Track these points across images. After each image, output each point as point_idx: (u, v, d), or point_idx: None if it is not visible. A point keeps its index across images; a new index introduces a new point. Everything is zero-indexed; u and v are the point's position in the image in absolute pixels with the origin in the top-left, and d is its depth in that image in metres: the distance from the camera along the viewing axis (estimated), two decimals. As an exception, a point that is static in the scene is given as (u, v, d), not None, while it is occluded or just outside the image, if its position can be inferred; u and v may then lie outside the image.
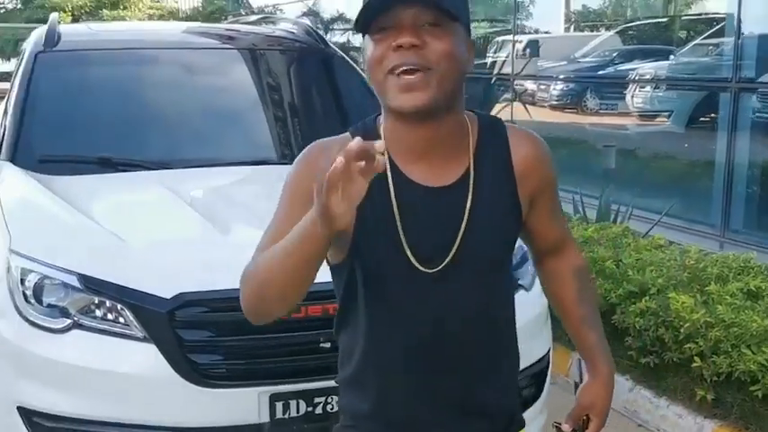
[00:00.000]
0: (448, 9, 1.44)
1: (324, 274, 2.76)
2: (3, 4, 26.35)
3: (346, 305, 1.62)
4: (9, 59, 25.86)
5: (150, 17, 23.21)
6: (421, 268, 1.52)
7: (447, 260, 1.52)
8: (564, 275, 1.78)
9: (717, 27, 7.69)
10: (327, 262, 1.58)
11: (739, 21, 6.60)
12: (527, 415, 3.10)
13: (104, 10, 23.51)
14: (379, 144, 1.23)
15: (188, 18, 20.20)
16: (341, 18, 15.02)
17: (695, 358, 3.71)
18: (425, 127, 1.50)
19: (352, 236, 1.48)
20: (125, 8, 23.85)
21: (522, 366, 3.07)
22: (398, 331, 1.57)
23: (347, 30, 14.92)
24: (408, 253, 1.52)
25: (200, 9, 20.21)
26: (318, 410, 2.74)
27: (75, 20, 20.65)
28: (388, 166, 1.52)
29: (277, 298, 1.48)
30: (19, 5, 25.89)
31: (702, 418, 3.69)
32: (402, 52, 1.43)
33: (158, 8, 23.92)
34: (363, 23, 1.45)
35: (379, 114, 1.58)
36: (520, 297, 3.12)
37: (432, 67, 1.44)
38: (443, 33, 1.45)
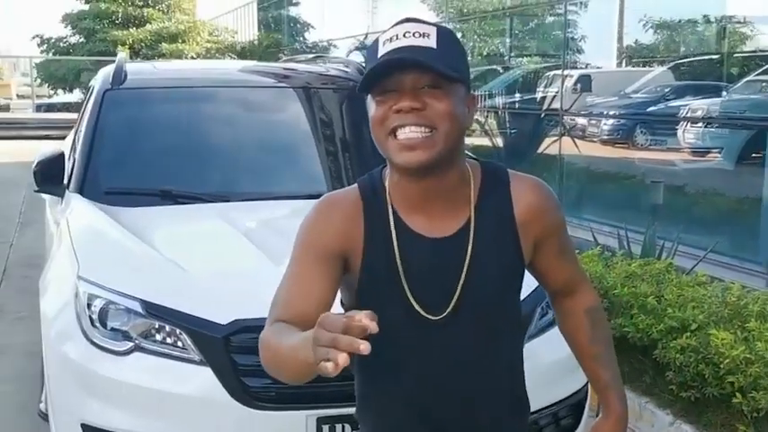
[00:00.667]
0: (446, 72, 1.50)
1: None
2: (66, 38, 27.22)
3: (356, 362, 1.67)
4: (72, 90, 26.73)
5: (208, 51, 23.76)
6: (425, 315, 1.60)
7: (449, 308, 1.60)
8: (577, 315, 1.83)
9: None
10: (342, 303, 1.68)
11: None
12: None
13: (163, 44, 24.12)
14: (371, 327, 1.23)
15: (245, 51, 20.63)
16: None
17: (735, 394, 3.74)
18: (427, 181, 1.57)
19: (358, 283, 1.62)
20: (183, 42, 24.44)
21: (560, 397, 3.19)
22: (402, 376, 1.64)
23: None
24: (412, 301, 1.60)
25: (257, 43, 20.64)
26: (363, 434, 2.87)
27: (135, 53, 21.22)
28: (392, 218, 1.61)
29: (291, 378, 1.52)
30: (81, 39, 26.71)
31: (742, 454, 3.73)
32: (403, 114, 1.50)
33: (216, 41, 24.48)
34: (367, 86, 1.52)
35: (385, 166, 1.65)
36: (556, 332, 3.25)
37: (433, 127, 1.51)
38: (443, 95, 1.51)
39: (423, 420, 1.67)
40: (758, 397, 3.65)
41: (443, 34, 1.54)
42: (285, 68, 5.31)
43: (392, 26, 1.55)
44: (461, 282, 1.60)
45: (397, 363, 1.64)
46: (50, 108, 25.72)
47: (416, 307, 1.60)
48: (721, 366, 3.82)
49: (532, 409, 3.02)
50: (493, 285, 1.63)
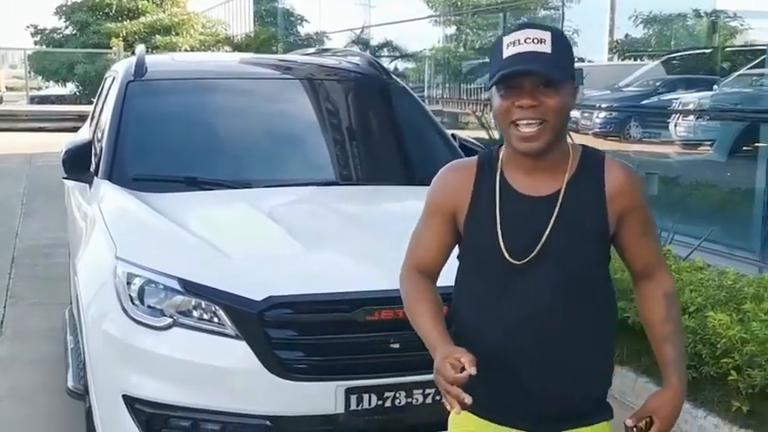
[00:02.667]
0: (556, 77, 1.83)
1: (396, 283, 3.11)
2: (60, 29, 27.19)
3: (456, 287, 2.07)
4: (64, 84, 26.72)
5: (202, 43, 23.77)
6: (510, 260, 1.91)
7: (531, 256, 1.90)
8: (655, 298, 2.05)
9: (761, 58, 7.84)
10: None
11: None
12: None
13: (157, 36, 24.13)
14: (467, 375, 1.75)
15: (240, 44, 20.67)
16: (388, 45, 15.40)
17: (731, 372, 3.92)
18: (536, 159, 1.91)
19: (464, 231, 1.99)
20: (177, 34, 24.43)
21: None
22: (490, 314, 1.95)
23: (395, 57, 15.32)
24: (502, 246, 1.92)
25: (252, 36, 20.68)
26: (388, 404, 3.06)
27: (129, 46, 21.24)
28: (498, 179, 1.96)
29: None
30: (75, 31, 26.67)
31: (738, 428, 3.88)
32: (523, 110, 1.83)
33: (210, 34, 24.49)
34: (495, 83, 1.86)
35: (502, 145, 1.99)
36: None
37: (546, 120, 1.84)
38: (554, 92, 1.84)
39: (506, 353, 1.94)
40: (753, 374, 3.84)
41: (556, 38, 1.86)
42: (297, 61, 5.48)
43: (514, 30, 1.87)
44: (545, 236, 1.90)
45: (487, 300, 1.96)
46: (43, 100, 25.75)
47: (504, 251, 1.91)
48: (718, 346, 4.00)
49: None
50: (572, 243, 1.91)
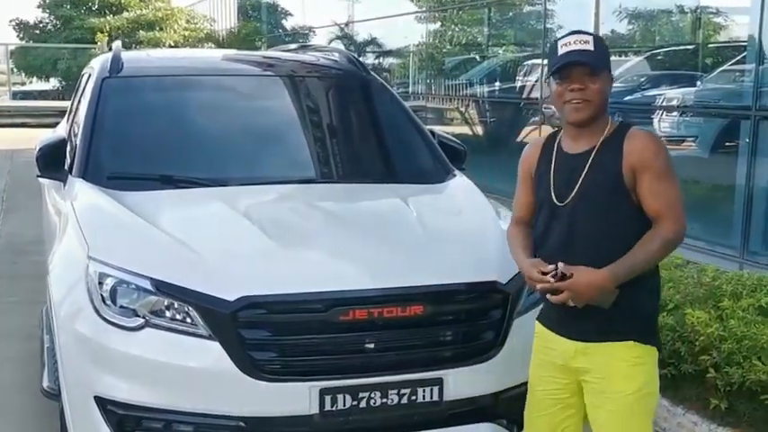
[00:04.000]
0: (597, 66, 2.54)
1: (372, 282, 3.08)
2: (43, 22, 27.00)
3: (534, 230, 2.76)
4: (48, 79, 26.54)
5: (186, 38, 23.66)
6: (556, 202, 2.63)
7: (571, 196, 2.59)
8: (649, 234, 2.53)
9: (743, 54, 7.85)
10: None
11: (760, 49, 6.80)
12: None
13: (141, 31, 24.01)
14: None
15: (223, 40, 20.59)
16: (373, 42, 15.37)
17: (709, 369, 3.92)
18: (582, 127, 2.60)
19: (533, 186, 2.75)
20: (161, 29, 24.33)
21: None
22: (546, 245, 2.65)
23: (379, 53, 15.29)
24: (552, 191, 2.64)
25: (235, 32, 20.61)
26: (363, 404, 3.04)
27: (113, 41, 21.04)
28: (556, 146, 2.69)
29: None
30: (58, 26, 26.50)
31: (716, 426, 3.89)
32: (573, 92, 2.54)
33: (194, 30, 24.39)
34: (553, 73, 2.57)
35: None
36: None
37: (589, 100, 2.54)
38: (597, 79, 2.55)
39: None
40: (731, 372, 3.84)
41: (597, 40, 2.58)
42: (276, 57, 5.43)
43: (566, 35, 2.58)
44: (579, 182, 2.58)
45: (545, 231, 2.67)
46: (26, 96, 25.57)
47: (553, 195, 2.63)
48: (696, 344, 4.01)
49: (521, 381, 3.23)
50: (599, 188, 2.55)
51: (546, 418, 2.76)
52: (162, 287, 3.06)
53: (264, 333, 3.05)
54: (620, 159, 2.53)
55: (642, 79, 9.64)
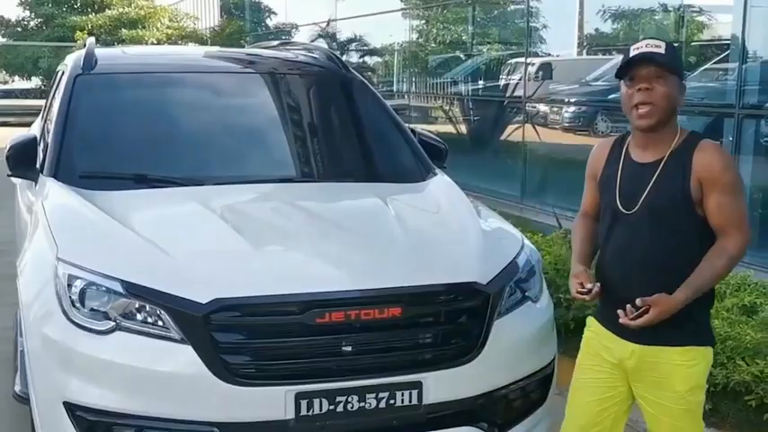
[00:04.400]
0: (667, 64, 2.53)
1: (349, 284, 3.02)
2: (25, 20, 26.77)
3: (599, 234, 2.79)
4: (30, 78, 26.33)
5: (168, 37, 23.53)
6: (622, 209, 2.65)
7: (638, 206, 2.60)
8: (714, 247, 2.57)
9: (726, 52, 7.84)
10: None
11: (744, 47, 6.78)
12: (532, 419, 3.34)
13: (123, 29, 23.84)
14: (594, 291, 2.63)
15: (207, 38, 20.49)
16: (356, 40, 15.29)
17: (693, 370, 3.90)
18: (650, 134, 2.61)
19: (598, 187, 2.78)
20: (144, 28, 24.17)
21: (529, 372, 3.34)
22: (610, 249, 2.70)
23: (363, 51, 15.22)
24: (617, 198, 2.66)
25: (218, 30, 20.50)
26: (340, 409, 2.96)
27: (95, 39, 20.94)
28: (624, 151, 2.72)
29: None
30: (40, 24, 26.29)
31: (700, 427, 3.88)
32: (640, 92, 2.54)
33: (176, 28, 24.25)
34: (622, 73, 2.58)
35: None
36: (527, 308, 3.37)
37: (655, 104, 2.54)
38: (664, 82, 2.54)
39: (616, 277, 2.67)
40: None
41: (668, 46, 2.58)
42: (255, 54, 5.35)
43: (640, 41, 2.58)
44: (646, 192, 2.59)
45: (607, 236, 2.71)
46: (8, 94, 25.35)
47: (618, 203, 2.65)
48: (681, 344, 3.96)
49: (502, 384, 3.18)
50: (666, 199, 2.57)
51: (590, 405, 2.79)
52: (132, 289, 2.98)
53: (238, 336, 2.97)
54: (689, 172, 2.55)
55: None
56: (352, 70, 5.03)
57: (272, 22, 21.47)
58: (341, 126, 4.82)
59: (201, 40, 21.05)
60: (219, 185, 3.89)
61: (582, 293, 2.62)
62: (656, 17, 9.59)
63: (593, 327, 2.84)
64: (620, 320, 2.52)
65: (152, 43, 22.42)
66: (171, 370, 2.92)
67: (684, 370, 2.61)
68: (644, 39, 2.60)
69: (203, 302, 2.89)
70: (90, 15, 24.62)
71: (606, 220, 2.72)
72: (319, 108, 4.83)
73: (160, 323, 2.94)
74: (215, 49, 7.58)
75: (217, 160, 4.16)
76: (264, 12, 21.97)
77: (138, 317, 2.97)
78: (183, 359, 2.90)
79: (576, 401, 2.85)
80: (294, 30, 18.47)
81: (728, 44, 7.54)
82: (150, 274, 3.02)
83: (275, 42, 6.01)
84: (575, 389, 2.87)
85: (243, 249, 3.22)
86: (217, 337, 2.91)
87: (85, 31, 22.36)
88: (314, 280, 3.06)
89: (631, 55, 2.56)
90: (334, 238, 3.42)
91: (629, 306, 2.51)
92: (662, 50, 2.54)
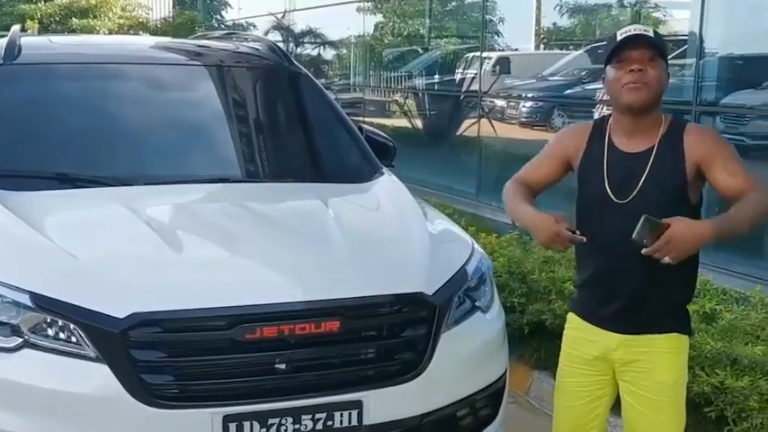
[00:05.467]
0: (658, 46, 2.52)
1: (283, 296, 2.78)
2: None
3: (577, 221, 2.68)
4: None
5: (120, 27, 23.04)
6: (614, 199, 2.57)
7: (632, 196, 2.54)
8: (744, 199, 2.47)
9: (683, 48, 7.78)
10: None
11: (701, 43, 6.69)
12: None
13: (74, 19, 23.28)
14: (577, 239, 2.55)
15: (158, 29, 20.09)
16: (311, 32, 15.04)
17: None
18: (636, 117, 2.56)
19: (578, 173, 2.69)
20: (95, 17, 23.63)
21: (479, 387, 3.14)
22: (598, 240, 2.58)
23: (318, 44, 14.96)
24: (607, 188, 2.58)
25: (170, 20, 20.10)
26: (272, 432, 2.73)
27: (45, 28, 20.45)
28: (607, 138, 2.63)
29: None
30: (-13, 12, 25.59)
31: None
32: (632, 73, 2.49)
33: (128, 18, 23.74)
34: (609, 58, 2.53)
35: (610, 114, 2.67)
36: (476, 319, 3.17)
37: (647, 83, 2.48)
38: (656, 65, 2.51)
39: (602, 268, 2.64)
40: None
41: (656, 33, 2.57)
42: (194, 45, 5.04)
43: (626, 26, 2.54)
44: (641, 182, 2.54)
45: (596, 227, 2.59)
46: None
47: (609, 192, 2.58)
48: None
49: (449, 401, 2.97)
50: (660, 187, 2.54)
51: (576, 409, 2.78)
52: (42, 302, 2.71)
53: (159, 354, 2.71)
54: (683, 157, 2.54)
55: (583, 73, 9.53)
56: (297, 63, 4.77)
57: (227, 13, 21.12)
58: (282, 122, 4.55)
59: (152, 31, 20.57)
60: (148, 186, 3.61)
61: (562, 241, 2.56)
62: (613, 12, 9.54)
63: (573, 324, 2.80)
64: (644, 251, 2.34)
65: (103, 33, 21.90)
66: (85, 391, 2.66)
67: (670, 358, 2.63)
68: (630, 24, 2.65)
69: (120, 317, 2.64)
70: (39, 4, 23.96)
71: (589, 209, 2.65)
72: (260, 103, 4.56)
73: (73, 339, 2.69)
74: (153, 39, 7.26)
75: (149, 158, 3.88)
76: (219, 2, 21.59)
77: (49, 332, 2.71)
78: (99, 379, 2.65)
79: (561, 407, 2.85)
80: (248, 21, 18.14)
81: (686, 40, 7.46)
82: (62, 286, 2.76)
83: (217, 33, 5.72)
84: (559, 394, 2.86)
85: (166, 258, 2.96)
86: (135, 355, 2.66)
87: (35, 20, 21.78)
88: (244, 292, 2.81)
89: (622, 36, 2.51)
90: (267, 246, 3.16)
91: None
92: (651, 34, 2.54)
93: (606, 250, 2.60)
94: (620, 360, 2.66)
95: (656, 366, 2.61)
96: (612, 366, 2.69)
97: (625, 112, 2.57)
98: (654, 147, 2.56)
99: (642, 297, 2.59)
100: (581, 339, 2.74)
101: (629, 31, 2.53)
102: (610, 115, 2.69)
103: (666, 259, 2.34)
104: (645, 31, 2.54)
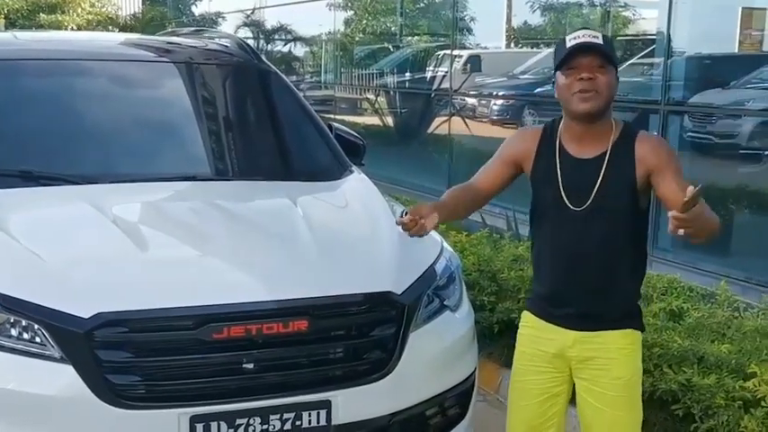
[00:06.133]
0: (609, 54, 2.52)
1: (250, 295, 2.76)
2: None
3: (531, 229, 2.76)
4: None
5: (89, 23, 22.77)
6: (570, 206, 2.57)
7: (588, 203, 2.55)
8: None
9: (651, 47, 7.83)
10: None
11: (669, 43, 6.74)
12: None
13: (41, 14, 22.97)
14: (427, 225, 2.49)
15: (127, 25, 19.88)
16: (282, 29, 14.96)
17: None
18: (587, 124, 2.56)
19: (531, 179, 2.68)
20: (63, 13, 23.34)
21: (448, 386, 3.14)
22: (554, 245, 2.64)
23: (289, 40, 14.88)
24: (563, 195, 2.58)
25: (140, 16, 19.90)
26: (240, 432, 2.71)
27: (12, 24, 20.16)
28: (557, 144, 2.62)
29: None
30: (-48, 7, 25.18)
31: (625, 436, 3.74)
32: (583, 81, 2.48)
33: (97, 13, 23.48)
34: (561, 64, 2.51)
35: (560, 117, 2.64)
36: (445, 318, 3.17)
37: (597, 91, 2.48)
38: (605, 71, 2.51)
39: (560, 272, 2.66)
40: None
41: (605, 38, 2.55)
42: (163, 42, 4.99)
43: (575, 31, 2.54)
44: (595, 189, 2.55)
45: (552, 234, 2.65)
46: None
47: (565, 199, 2.59)
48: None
49: (418, 400, 2.97)
50: (615, 193, 2.55)
51: (532, 407, 2.76)
52: (6, 302, 2.67)
53: (125, 354, 2.68)
54: (634, 164, 2.56)
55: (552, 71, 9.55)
56: (266, 61, 4.74)
57: (197, 9, 20.94)
58: (251, 120, 4.51)
59: (122, 27, 20.36)
60: (115, 184, 3.57)
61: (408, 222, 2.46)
62: (584, 11, 9.58)
63: (529, 322, 2.79)
64: (670, 229, 2.22)
65: (72, 29, 21.64)
66: (49, 392, 2.63)
67: (626, 354, 2.65)
68: (581, 29, 2.58)
69: (85, 317, 2.61)
70: (5, -1, 23.64)
71: (544, 215, 2.67)
72: (229, 100, 4.52)
73: (37, 340, 2.65)
74: (121, 35, 7.16)
75: (116, 156, 3.83)
76: (190, -2, 21.40)
77: (13, 333, 2.67)
78: (63, 380, 2.61)
79: (517, 405, 2.81)
80: (219, 18, 18.00)
81: (654, 39, 7.52)
82: (26, 285, 2.72)
83: (185, 30, 5.66)
84: (514, 392, 2.82)
85: (133, 257, 2.93)
86: (101, 356, 2.63)
87: (1, 16, 21.47)
88: (211, 291, 2.79)
89: (572, 44, 2.51)
90: (236, 244, 3.14)
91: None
92: (600, 41, 2.52)
93: (564, 255, 2.63)
94: (576, 357, 2.67)
95: (613, 363, 2.63)
96: (569, 364, 2.70)
97: (576, 120, 2.57)
98: (606, 153, 2.57)
99: (596, 298, 2.63)
100: (538, 338, 2.74)
101: (579, 37, 2.51)
102: (560, 119, 2.68)
103: (681, 231, 2.25)
104: (594, 38, 2.52)
